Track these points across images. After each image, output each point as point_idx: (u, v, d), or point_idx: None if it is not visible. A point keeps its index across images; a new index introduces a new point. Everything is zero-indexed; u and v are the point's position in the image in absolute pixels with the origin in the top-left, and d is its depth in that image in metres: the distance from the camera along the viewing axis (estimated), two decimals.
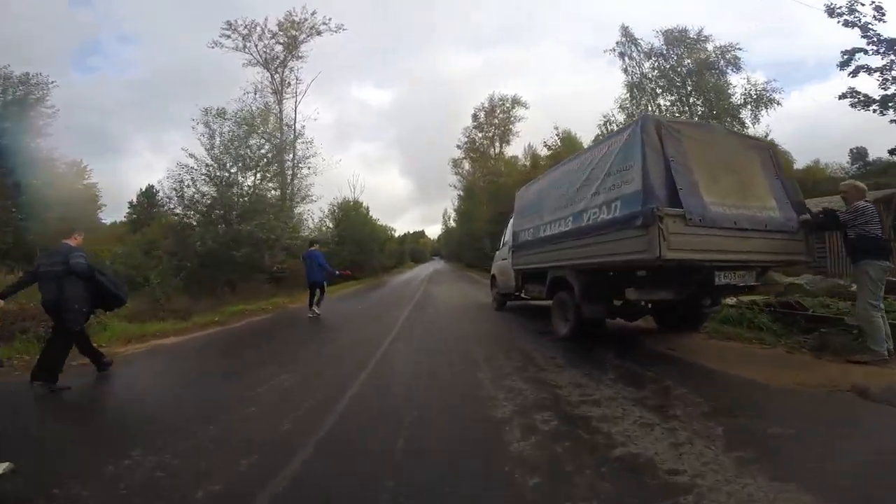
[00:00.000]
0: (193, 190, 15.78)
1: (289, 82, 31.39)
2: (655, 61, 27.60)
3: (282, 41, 30.07)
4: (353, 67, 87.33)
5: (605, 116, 27.34)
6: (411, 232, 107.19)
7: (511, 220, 9.28)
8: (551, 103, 60.27)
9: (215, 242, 14.63)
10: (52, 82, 20.56)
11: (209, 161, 16.30)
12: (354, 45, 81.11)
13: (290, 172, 30.24)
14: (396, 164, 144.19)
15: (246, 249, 14.67)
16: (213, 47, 28.92)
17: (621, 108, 27.68)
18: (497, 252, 10.86)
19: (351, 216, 32.25)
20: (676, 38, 26.76)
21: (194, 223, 15.68)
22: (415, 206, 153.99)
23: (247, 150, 17.54)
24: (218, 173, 16.56)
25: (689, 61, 25.60)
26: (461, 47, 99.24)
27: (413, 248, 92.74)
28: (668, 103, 26.42)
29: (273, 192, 21.42)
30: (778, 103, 22.66)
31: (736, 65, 24.13)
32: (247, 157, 17.36)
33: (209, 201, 15.72)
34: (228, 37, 28.83)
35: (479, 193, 50.19)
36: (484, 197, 45.05)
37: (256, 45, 29.62)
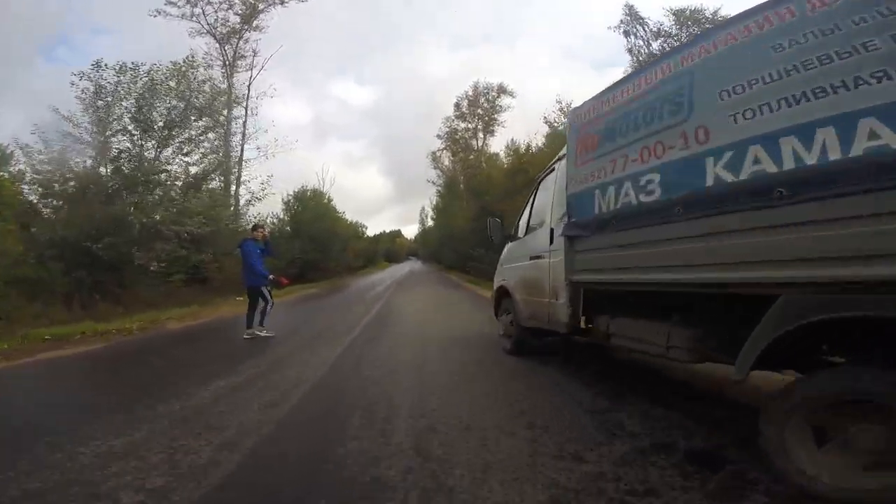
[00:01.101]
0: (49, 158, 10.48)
1: (243, 55, 26.64)
2: (665, 41, 23.74)
3: (238, 11, 25.51)
4: (333, 63, 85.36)
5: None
6: (387, 231, 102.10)
7: (552, 181, 4.58)
8: (535, 103, 57.07)
9: (67, 230, 9.47)
10: None
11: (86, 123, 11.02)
12: (335, 40, 77.40)
13: (236, 155, 25.41)
14: (376, 164, 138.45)
15: (109, 240, 9.56)
16: (155, 16, 23.67)
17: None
18: (509, 245, 5.72)
19: (308, 207, 27.11)
20: (689, 18, 23.09)
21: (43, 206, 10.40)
22: (393, 205, 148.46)
23: (152, 112, 12.27)
24: (100, 139, 11.31)
25: None
26: (443, 46, 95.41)
27: (388, 248, 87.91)
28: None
29: (208, 176, 16.11)
30: None
31: None
32: (149, 121, 12.09)
33: (71, 175, 10.41)
34: (174, 2, 23.61)
35: (460, 189, 46.06)
36: (466, 192, 40.90)
37: (204, 12, 24.72)
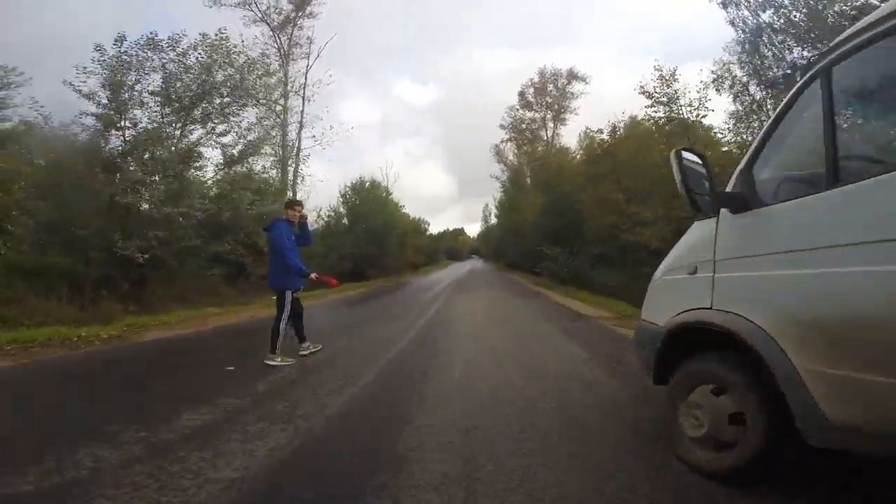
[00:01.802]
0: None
1: (298, 42, 25.68)
2: (776, 12, 18.35)
3: None
4: (395, 61, 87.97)
5: (714, 73, 18.58)
6: (450, 229, 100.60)
7: None
8: (609, 101, 51.38)
9: (58, 213, 7.91)
10: None
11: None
12: (396, 40, 78.96)
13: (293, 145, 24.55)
14: (439, 162, 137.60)
15: (98, 225, 7.84)
16: (210, 6, 23.33)
17: (739, 61, 18.84)
18: (755, 216, 2.13)
19: (366, 198, 25.37)
20: None
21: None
22: (455, 204, 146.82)
23: (176, 85, 10.50)
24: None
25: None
26: (503, 44, 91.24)
27: (450, 246, 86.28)
28: (809, 54, 17.16)
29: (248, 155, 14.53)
30: None
31: None
32: (173, 96, 10.31)
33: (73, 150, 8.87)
34: None
35: (526, 182, 42.47)
36: (533, 186, 37.38)
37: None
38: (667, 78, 15.07)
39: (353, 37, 69.08)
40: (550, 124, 43.16)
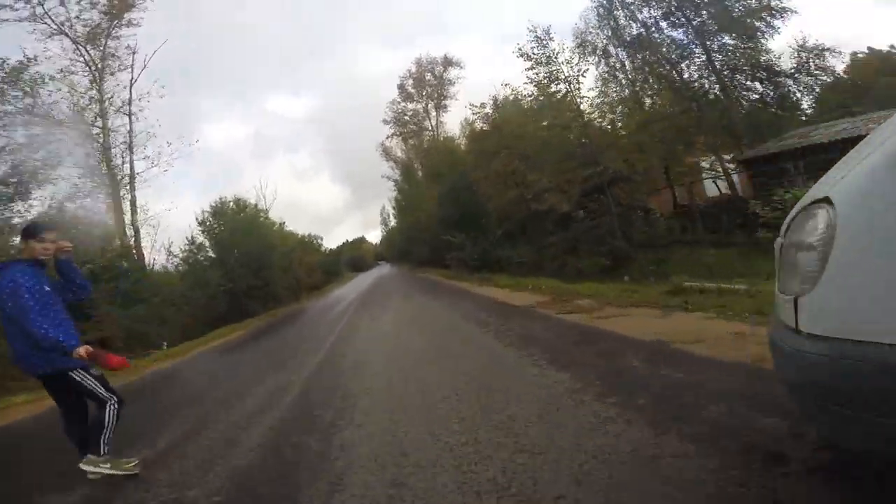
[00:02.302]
0: None
1: (114, 54, 20.53)
2: None
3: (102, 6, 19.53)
4: (265, 77, 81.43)
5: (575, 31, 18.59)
6: (349, 240, 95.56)
7: None
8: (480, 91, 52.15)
9: None
10: None
11: None
12: (267, 55, 73.19)
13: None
14: (327, 173, 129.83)
15: None
16: None
17: (598, 19, 19.13)
18: None
19: (233, 222, 21.23)
20: None
21: None
22: (353, 212, 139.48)
23: None
24: None
25: None
26: (378, 46, 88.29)
27: (353, 257, 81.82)
28: (657, 13, 17.87)
29: None
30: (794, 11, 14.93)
31: None
32: None
33: None
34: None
35: (418, 176, 40.88)
36: (426, 178, 35.86)
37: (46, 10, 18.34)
38: (542, 38, 14.15)
39: (219, 54, 61.48)
40: (433, 113, 42.11)
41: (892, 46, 19.85)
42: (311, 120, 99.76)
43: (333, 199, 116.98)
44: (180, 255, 19.36)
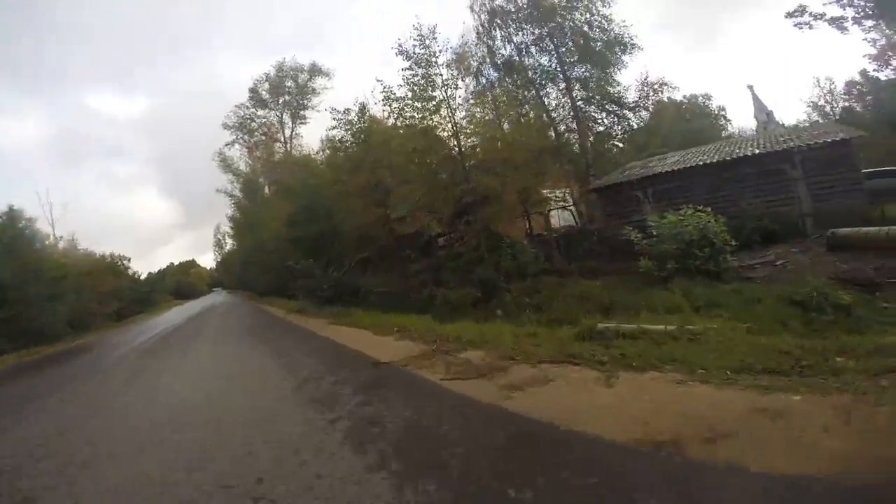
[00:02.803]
0: None
1: None
2: None
3: None
4: (88, 71, 62.85)
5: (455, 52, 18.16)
6: (175, 263, 79.90)
7: None
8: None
9: None
10: None
11: None
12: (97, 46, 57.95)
13: None
14: (155, 185, 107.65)
15: None
16: None
17: (478, 38, 19.10)
18: None
19: None
20: None
21: None
22: (184, 232, 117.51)
23: None
24: None
25: None
26: (243, 55, 77.52)
27: (177, 283, 68.32)
28: (529, 39, 18.73)
29: None
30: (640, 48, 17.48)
31: None
32: None
33: None
34: None
35: (263, 192, 35.75)
36: (275, 195, 31.28)
37: None
38: (426, 36, 12.73)
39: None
40: (288, 123, 37.75)
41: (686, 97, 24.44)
42: (142, 124, 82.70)
43: (161, 216, 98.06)
44: None
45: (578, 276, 10.93)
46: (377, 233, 16.12)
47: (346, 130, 16.93)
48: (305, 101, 37.32)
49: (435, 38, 12.88)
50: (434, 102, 12.50)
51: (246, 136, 37.45)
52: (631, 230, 9.31)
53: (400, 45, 12.80)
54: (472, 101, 15.61)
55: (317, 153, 29.97)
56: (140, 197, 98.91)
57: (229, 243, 52.19)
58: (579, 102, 16.57)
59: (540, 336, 5.28)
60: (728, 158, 11.87)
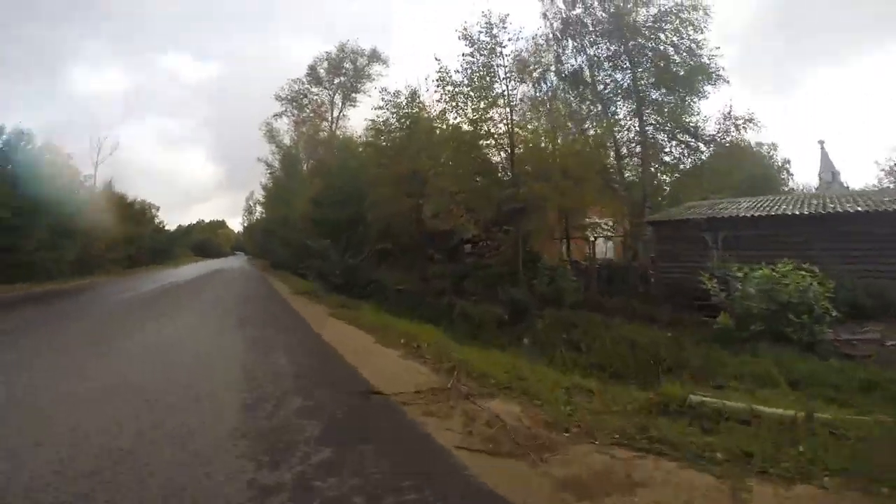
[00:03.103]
0: None
1: None
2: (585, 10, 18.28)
3: None
4: (168, 33, 70.34)
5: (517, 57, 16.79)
6: (206, 221, 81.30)
7: None
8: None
9: None
10: None
11: None
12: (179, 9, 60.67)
13: None
14: (206, 148, 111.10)
15: None
16: None
17: (546, 45, 17.66)
18: None
19: None
20: None
21: None
22: (223, 194, 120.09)
23: None
24: None
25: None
26: (310, 35, 79.26)
27: (204, 240, 69.24)
28: (602, 53, 17.12)
29: None
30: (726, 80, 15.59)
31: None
32: None
33: None
34: None
35: (301, 167, 35.28)
36: (311, 173, 30.66)
37: None
38: (494, 24, 11.52)
39: None
40: (338, 103, 37.33)
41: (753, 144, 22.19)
42: (205, 89, 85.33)
43: (205, 176, 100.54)
44: None
45: (623, 317, 9.37)
46: (403, 225, 14.92)
47: (393, 113, 15.92)
48: (359, 85, 36.84)
49: (504, 28, 11.68)
50: (492, 95, 11.24)
51: (295, 111, 37.18)
52: (707, 277, 7.68)
53: (465, 29, 11.66)
54: (529, 106, 14.31)
55: (359, 137, 29.25)
56: (189, 154, 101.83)
57: (258, 211, 52.32)
58: (648, 127, 14.93)
59: (597, 394, 3.81)
60: (821, 212, 10.08)
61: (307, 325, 7.18)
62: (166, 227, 42.16)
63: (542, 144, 12.04)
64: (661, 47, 15.63)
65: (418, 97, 16.51)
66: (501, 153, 11.21)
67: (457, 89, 11.21)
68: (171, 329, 6.90)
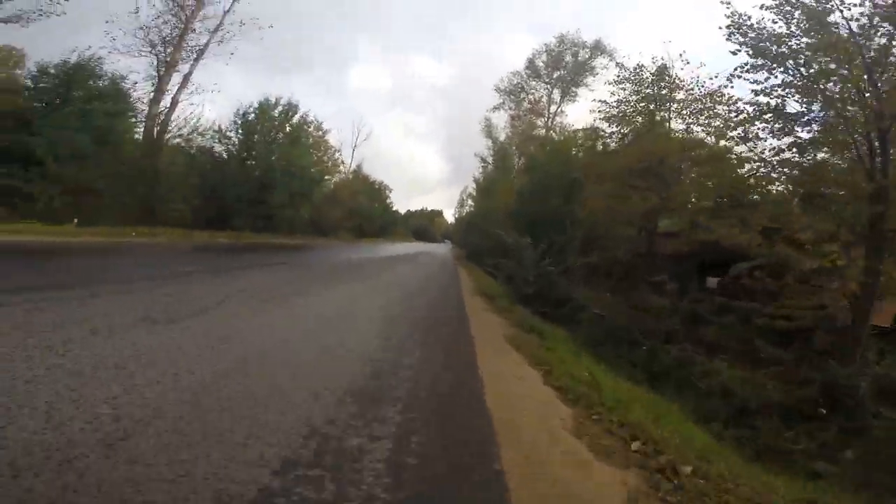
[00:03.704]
0: None
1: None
2: None
3: None
4: (412, 38, 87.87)
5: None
6: (428, 209, 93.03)
7: None
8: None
9: None
10: None
11: None
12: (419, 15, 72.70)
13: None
14: (439, 145, 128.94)
15: None
16: None
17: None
18: None
19: (258, 127, 16.97)
20: None
21: None
22: (446, 188, 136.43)
23: None
24: None
25: None
26: (527, 34, 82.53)
27: (422, 225, 79.37)
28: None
29: None
30: None
31: None
32: None
33: None
34: None
35: (513, 161, 34.64)
36: (522, 168, 29.57)
37: None
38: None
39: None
40: (556, 98, 35.30)
41: None
42: (444, 89, 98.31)
43: (434, 170, 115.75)
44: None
45: None
46: (622, 235, 11.53)
47: (635, 93, 12.56)
48: (580, 79, 34.02)
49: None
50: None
51: (513, 105, 36.81)
52: None
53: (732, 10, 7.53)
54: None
55: (577, 131, 26.24)
56: (424, 148, 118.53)
57: (469, 204, 55.33)
58: None
59: None
60: None
61: (471, 345, 5.03)
62: (395, 209, 48.63)
63: None
64: None
65: (666, 73, 12.70)
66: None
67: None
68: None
